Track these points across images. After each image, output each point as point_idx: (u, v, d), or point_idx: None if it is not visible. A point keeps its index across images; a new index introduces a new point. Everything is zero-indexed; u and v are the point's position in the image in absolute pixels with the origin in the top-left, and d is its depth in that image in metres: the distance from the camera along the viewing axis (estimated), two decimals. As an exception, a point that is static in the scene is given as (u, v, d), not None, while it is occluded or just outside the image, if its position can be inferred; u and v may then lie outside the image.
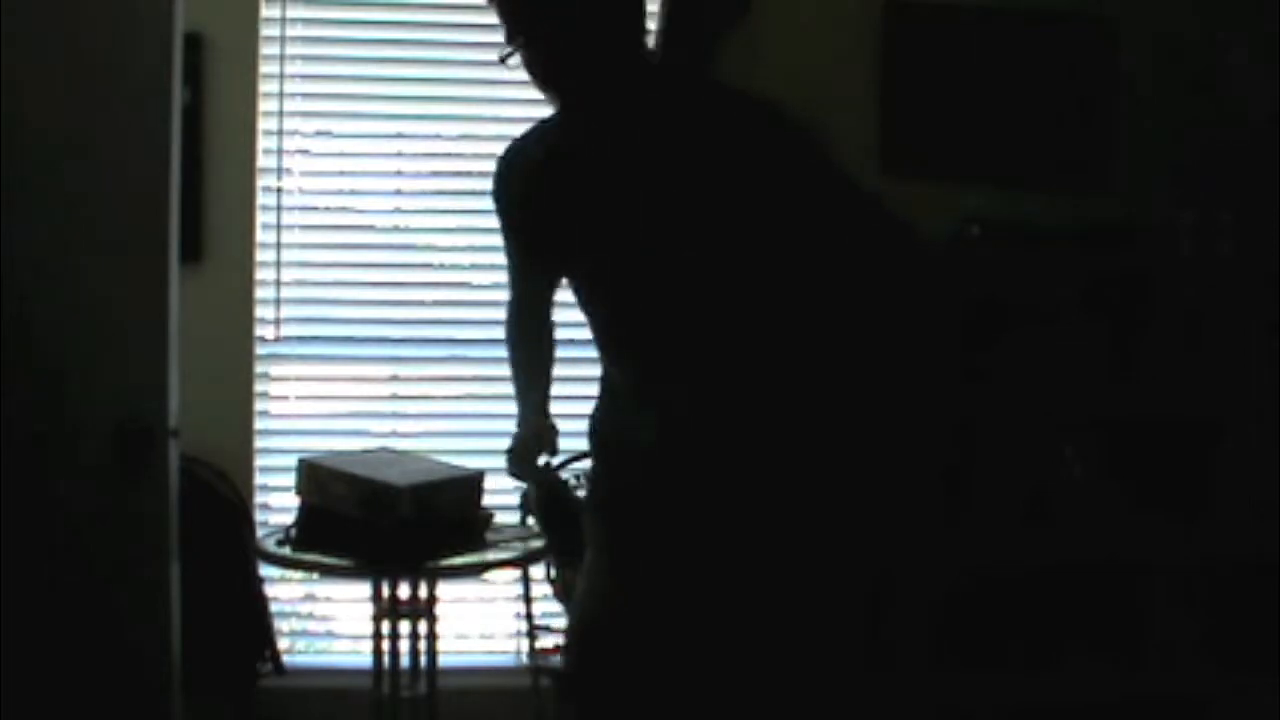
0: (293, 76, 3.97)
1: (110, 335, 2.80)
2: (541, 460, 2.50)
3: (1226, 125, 4.12)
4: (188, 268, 3.01)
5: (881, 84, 4.10)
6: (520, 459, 2.49)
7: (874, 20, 4.09)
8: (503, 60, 2.07)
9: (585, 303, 2.21)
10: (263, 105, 3.94)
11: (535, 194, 2.15)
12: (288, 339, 4.00)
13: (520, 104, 3.56)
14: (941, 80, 4.11)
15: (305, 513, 3.36)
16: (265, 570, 3.72)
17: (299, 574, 3.75)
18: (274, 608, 3.89)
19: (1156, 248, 3.95)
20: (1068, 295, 3.94)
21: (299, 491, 3.38)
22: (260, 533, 3.72)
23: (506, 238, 2.30)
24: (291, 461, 3.45)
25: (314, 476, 3.31)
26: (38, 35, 2.76)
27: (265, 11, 3.95)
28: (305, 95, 4.00)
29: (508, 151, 2.24)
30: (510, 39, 2.04)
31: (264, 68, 3.95)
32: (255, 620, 3.75)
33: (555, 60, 2.03)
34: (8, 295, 2.75)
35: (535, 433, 2.48)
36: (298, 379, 4.06)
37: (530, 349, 2.52)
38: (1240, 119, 4.11)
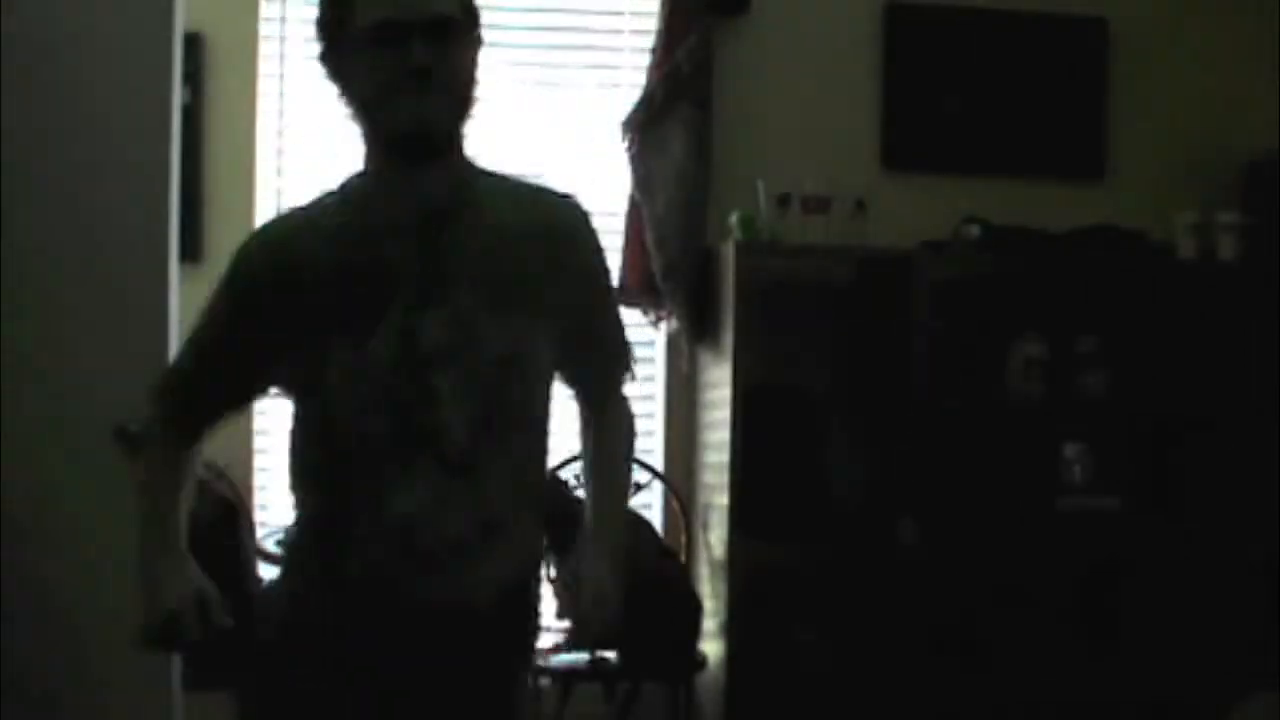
0: (293, 76, 3.97)
1: (110, 335, 2.80)
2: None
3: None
4: (188, 268, 3.01)
5: (882, 84, 4.10)
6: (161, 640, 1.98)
7: (874, 20, 4.09)
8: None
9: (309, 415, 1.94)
10: (263, 105, 3.94)
11: (299, 283, 1.86)
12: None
13: (516, 106, 3.55)
14: (941, 80, 4.11)
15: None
16: (265, 570, 3.71)
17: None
18: (274, 608, 3.89)
19: (1156, 248, 3.95)
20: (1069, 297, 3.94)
21: (299, 491, 3.37)
22: (260, 533, 3.72)
23: (233, 324, 1.93)
24: (291, 461, 3.44)
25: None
26: (38, 36, 2.76)
27: (265, 11, 3.95)
28: (305, 95, 4.00)
29: (264, 233, 2.00)
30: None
31: (264, 68, 3.94)
32: (255, 620, 3.74)
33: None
34: (8, 295, 2.75)
35: (190, 598, 2.02)
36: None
37: (179, 470, 2.05)
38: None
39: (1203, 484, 3.89)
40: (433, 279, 1.83)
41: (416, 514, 1.81)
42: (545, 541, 2.11)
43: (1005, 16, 4.12)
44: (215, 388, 1.99)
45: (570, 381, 1.99)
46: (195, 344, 1.97)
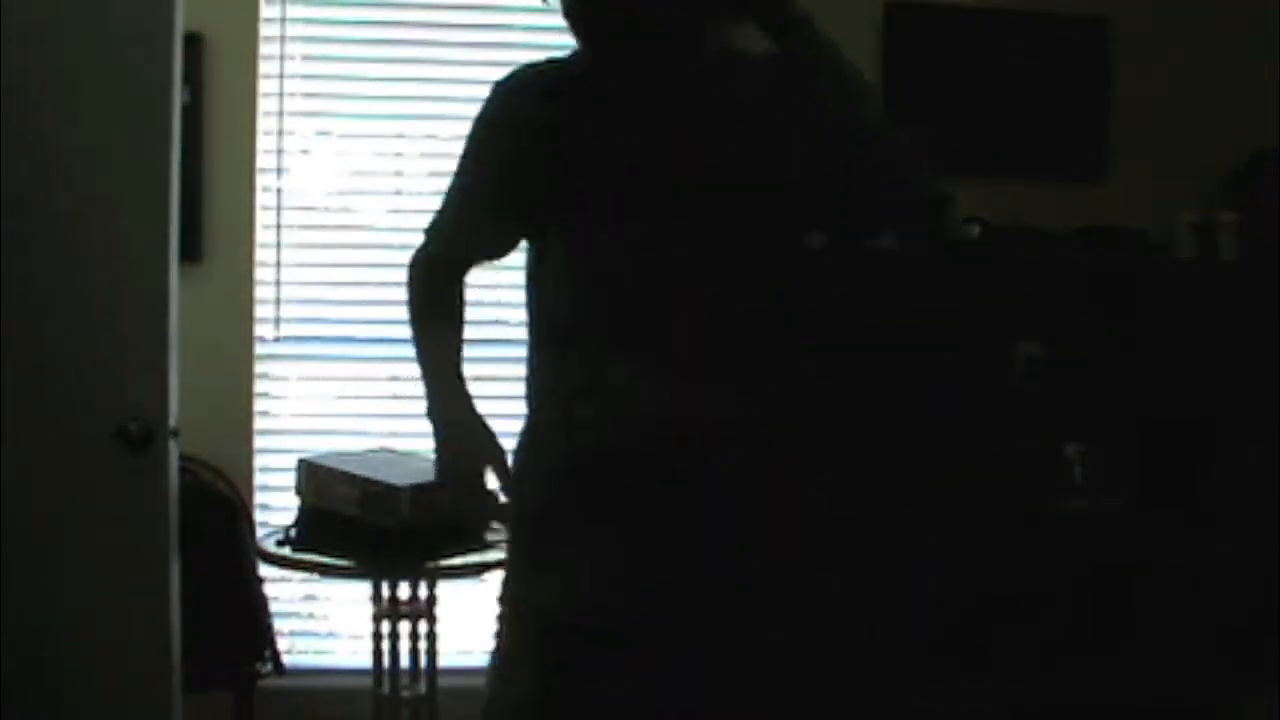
0: (293, 76, 3.97)
1: (110, 335, 2.80)
2: (492, 483, 1.98)
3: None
4: (188, 268, 3.01)
5: (882, 84, 4.09)
6: (459, 475, 1.96)
7: (874, 20, 4.09)
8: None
9: (559, 272, 1.92)
10: (263, 105, 3.94)
11: (556, 124, 1.88)
12: (287, 339, 4.00)
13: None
14: (941, 80, 4.11)
15: (305, 513, 3.36)
16: (265, 570, 3.71)
17: (299, 574, 3.75)
18: (274, 608, 3.89)
19: (1156, 248, 3.95)
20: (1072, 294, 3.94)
21: (299, 491, 3.38)
22: (260, 533, 3.72)
23: (487, 168, 1.96)
24: (291, 461, 3.45)
25: (314, 476, 3.31)
26: (38, 36, 2.76)
27: (265, 11, 3.95)
28: (305, 95, 4.00)
29: (524, 74, 1.97)
30: None
31: (264, 68, 3.94)
32: (255, 620, 3.75)
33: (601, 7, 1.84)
34: (8, 295, 2.75)
35: (473, 439, 1.98)
36: (298, 379, 4.05)
37: (452, 321, 2.06)
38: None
39: (1203, 483, 3.89)
40: (682, 151, 1.86)
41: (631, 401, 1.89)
42: None
43: (1005, 16, 4.12)
44: (493, 229, 1.99)
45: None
46: (466, 175, 1.99)
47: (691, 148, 1.86)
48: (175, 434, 2.86)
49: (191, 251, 3.55)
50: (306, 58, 4.00)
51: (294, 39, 3.97)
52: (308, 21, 3.99)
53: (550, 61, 1.98)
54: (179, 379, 2.85)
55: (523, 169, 1.91)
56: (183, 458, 3.03)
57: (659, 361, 1.85)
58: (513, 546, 2.04)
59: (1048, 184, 4.12)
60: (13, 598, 2.75)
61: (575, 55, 1.95)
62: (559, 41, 4.03)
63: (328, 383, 4.05)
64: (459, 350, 2.06)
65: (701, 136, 1.87)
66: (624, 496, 1.88)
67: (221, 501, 3.75)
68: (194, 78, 3.72)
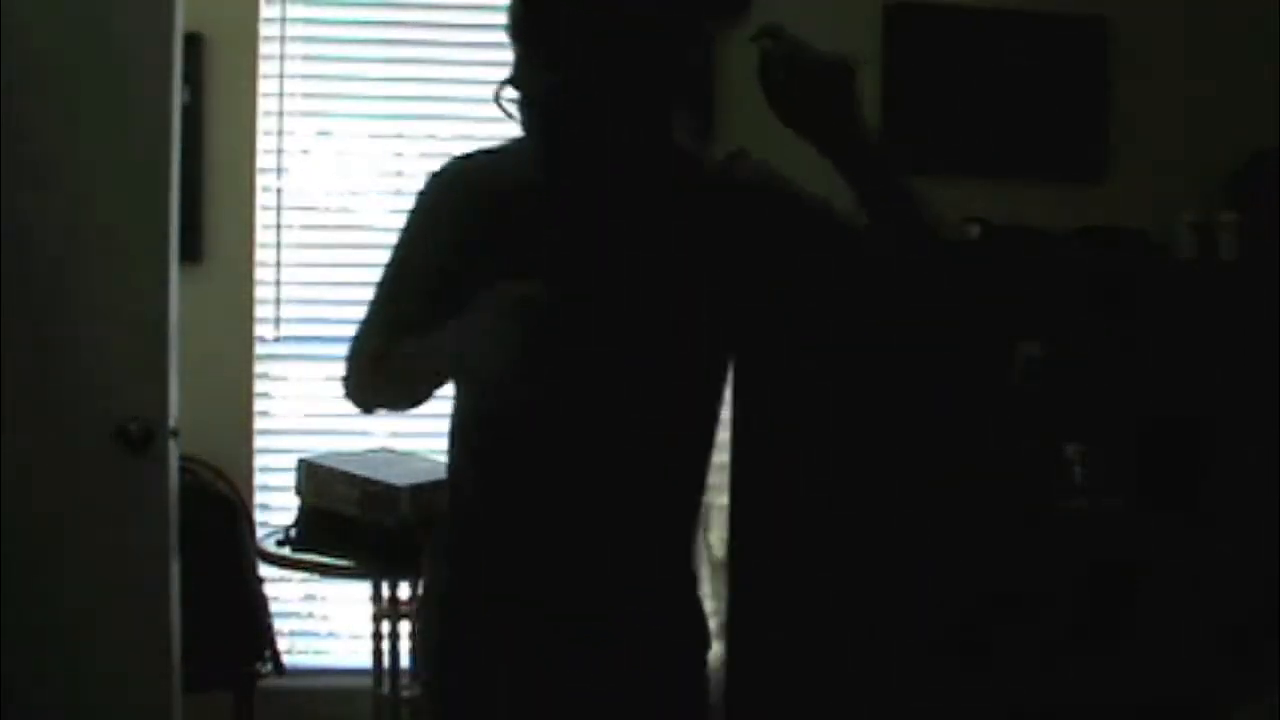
0: (293, 76, 3.97)
1: (110, 335, 2.80)
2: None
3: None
4: (188, 268, 3.01)
5: (882, 84, 4.10)
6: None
7: (874, 20, 4.09)
8: (497, 98, 1.81)
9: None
10: (263, 105, 3.94)
11: (500, 214, 1.84)
12: (288, 339, 4.00)
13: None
14: (941, 80, 4.11)
15: (305, 513, 3.36)
16: (265, 570, 3.71)
17: (299, 574, 3.75)
18: (274, 608, 3.89)
19: (1156, 248, 3.95)
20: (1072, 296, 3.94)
21: (299, 491, 3.38)
22: (260, 533, 3.72)
23: (420, 260, 1.90)
24: (291, 461, 3.45)
25: (314, 476, 3.31)
26: (38, 36, 2.76)
27: (265, 11, 3.95)
28: (305, 95, 4.00)
29: (459, 166, 1.94)
30: (517, 84, 1.79)
31: (264, 68, 3.95)
32: (255, 620, 3.75)
33: (567, 123, 1.77)
34: (8, 295, 2.75)
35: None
36: (298, 379, 4.06)
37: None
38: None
39: (1204, 483, 3.88)
40: (627, 248, 1.83)
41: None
42: None
43: (1005, 16, 4.12)
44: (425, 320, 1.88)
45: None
46: (397, 281, 1.92)
47: (635, 257, 1.83)
48: (175, 434, 2.86)
49: (191, 251, 3.55)
50: (306, 58, 4.00)
51: (294, 39, 3.97)
52: (308, 21, 3.99)
53: (485, 152, 1.94)
54: (179, 379, 2.85)
55: (454, 261, 1.86)
56: (183, 458, 3.03)
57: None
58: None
59: (1048, 184, 4.12)
60: (13, 598, 2.75)
61: (512, 144, 1.90)
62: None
63: (328, 383, 4.06)
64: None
65: (646, 246, 1.84)
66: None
67: (221, 501, 3.75)
68: (194, 78, 3.73)
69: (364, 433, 3.94)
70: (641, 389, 1.84)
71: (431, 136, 4.04)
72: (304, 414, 4.05)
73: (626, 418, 1.84)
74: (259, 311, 3.93)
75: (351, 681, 3.79)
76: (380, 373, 1.91)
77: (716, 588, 3.80)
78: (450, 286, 1.82)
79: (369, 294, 1.99)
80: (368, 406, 1.99)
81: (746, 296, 1.89)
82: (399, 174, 4.07)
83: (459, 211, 1.86)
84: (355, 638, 3.98)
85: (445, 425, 1.98)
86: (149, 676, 2.86)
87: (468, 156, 1.95)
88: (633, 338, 1.82)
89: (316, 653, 4.08)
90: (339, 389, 1.96)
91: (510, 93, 1.77)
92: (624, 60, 1.72)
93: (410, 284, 1.90)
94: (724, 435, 3.71)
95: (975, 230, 3.87)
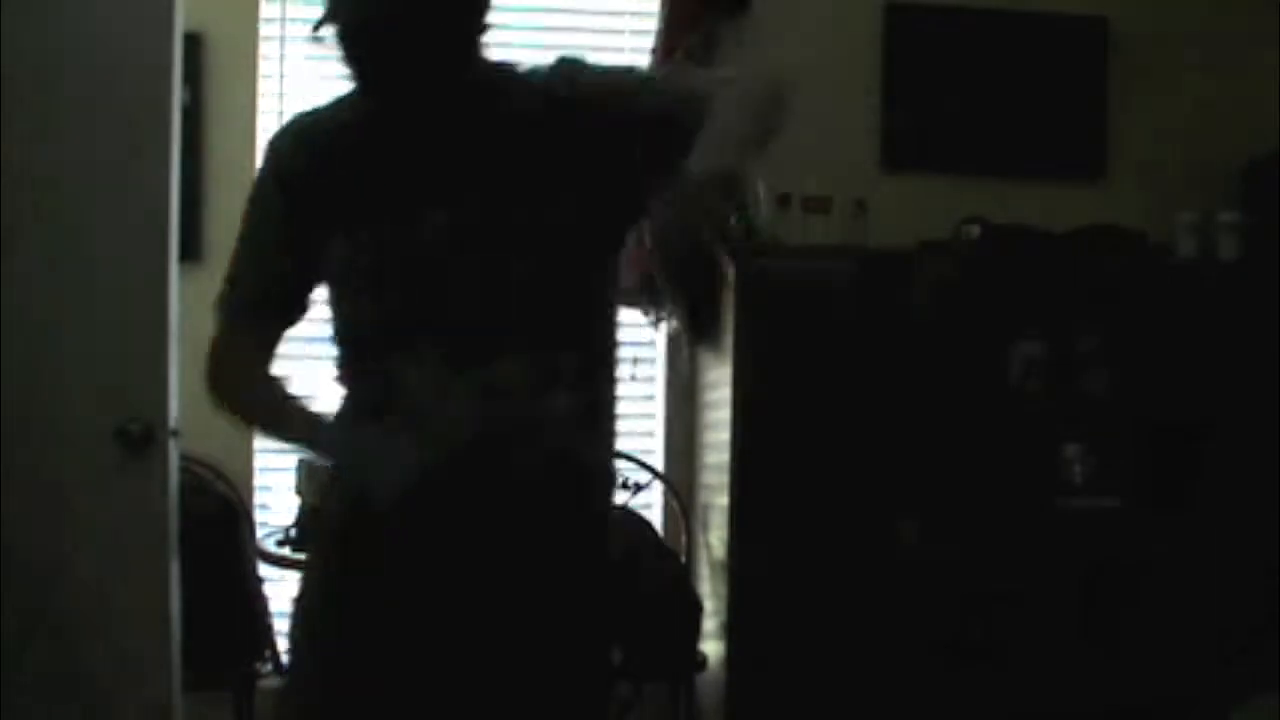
0: (293, 76, 3.97)
1: (110, 335, 2.80)
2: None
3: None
4: (188, 268, 3.01)
5: (882, 83, 4.10)
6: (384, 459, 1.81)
7: (874, 20, 4.09)
8: (315, 35, 1.84)
9: (344, 309, 1.92)
10: (263, 105, 3.94)
11: (331, 171, 1.86)
12: (287, 339, 3.99)
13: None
14: (941, 80, 4.11)
15: (305, 513, 3.36)
16: (265, 570, 3.71)
17: (299, 574, 3.74)
18: (274, 608, 3.89)
19: (1156, 248, 3.95)
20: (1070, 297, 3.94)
21: (299, 491, 3.38)
22: (260, 533, 3.72)
23: (271, 228, 1.93)
24: (291, 461, 3.44)
25: (314, 476, 3.31)
26: (38, 36, 2.76)
27: (265, 11, 3.95)
28: (305, 95, 4.00)
29: (293, 125, 1.94)
30: (328, 18, 1.83)
31: (264, 68, 3.94)
32: (254, 620, 3.75)
33: (372, 46, 1.78)
34: (7, 295, 2.75)
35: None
36: (298, 379, 4.04)
37: (273, 387, 2.03)
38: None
39: (1203, 484, 3.89)
40: (480, 162, 1.81)
41: (421, 403, 1.79)
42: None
43: (1005, 16, 4.13)
44: (278, 292, 1.98)
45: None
46: (248, 248, 1.97)
47: (465, 168, 1.82)
48: (175, 434, 2.86)
49: (191, 251, 3.54)
50: (306, 58, 3.99)
51: (294, 39, 3.97)
52: (308, 22, 3.98)
53: (325, 105, 1.95)
54: (179, 379, 2.85)
55: (301, 224, 1.88)
56: (183, 458, 3.03)
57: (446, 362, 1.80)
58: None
59: (1048, 184, 4.12)
60: (13, 598, 2.75)
61: (347, 97, 1.91)
62: (559, 41, 4.06)
63: (328, 383, 4.04)
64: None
65: (473, 157, 1.83)
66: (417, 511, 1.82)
67: (221, 501, 3.75)
68: (194, 78, 3.72)
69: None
70: (510, 306, 1.81)
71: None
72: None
73: (497, 339, 1.80)
74: (259, 311, 3.92)
75: (351, 681, 3.78)
76: (243, 410, 2.02)
77: (716, 588, 3.80)
78: (304, 248, 1.88)
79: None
80: (222, 412, 2.01)
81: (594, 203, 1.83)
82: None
83: (298, 170, 1.88)
84: (355, 638, 3.97)
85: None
86: (149, 676, 2.85)
87: (305, 114, 1.96)
88: (487, 270, 1.79)
89: (316, 653, 4.07)
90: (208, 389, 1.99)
91: (326, 29, 1.81)
92: None
93: (268, 251, 1.95)
94: (724, 435, 3.72)
95: (975, 230, 3.87)
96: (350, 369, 1.96)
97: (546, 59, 1.90)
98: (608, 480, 1.96)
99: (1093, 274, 3.92)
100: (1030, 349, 3.86)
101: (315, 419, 1.96)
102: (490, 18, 1.82)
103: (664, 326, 4.01)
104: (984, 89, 4.13)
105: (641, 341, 4.05)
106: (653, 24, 3.97)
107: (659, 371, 4.12)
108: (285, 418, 2.00)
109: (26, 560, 2.78)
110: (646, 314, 3.99)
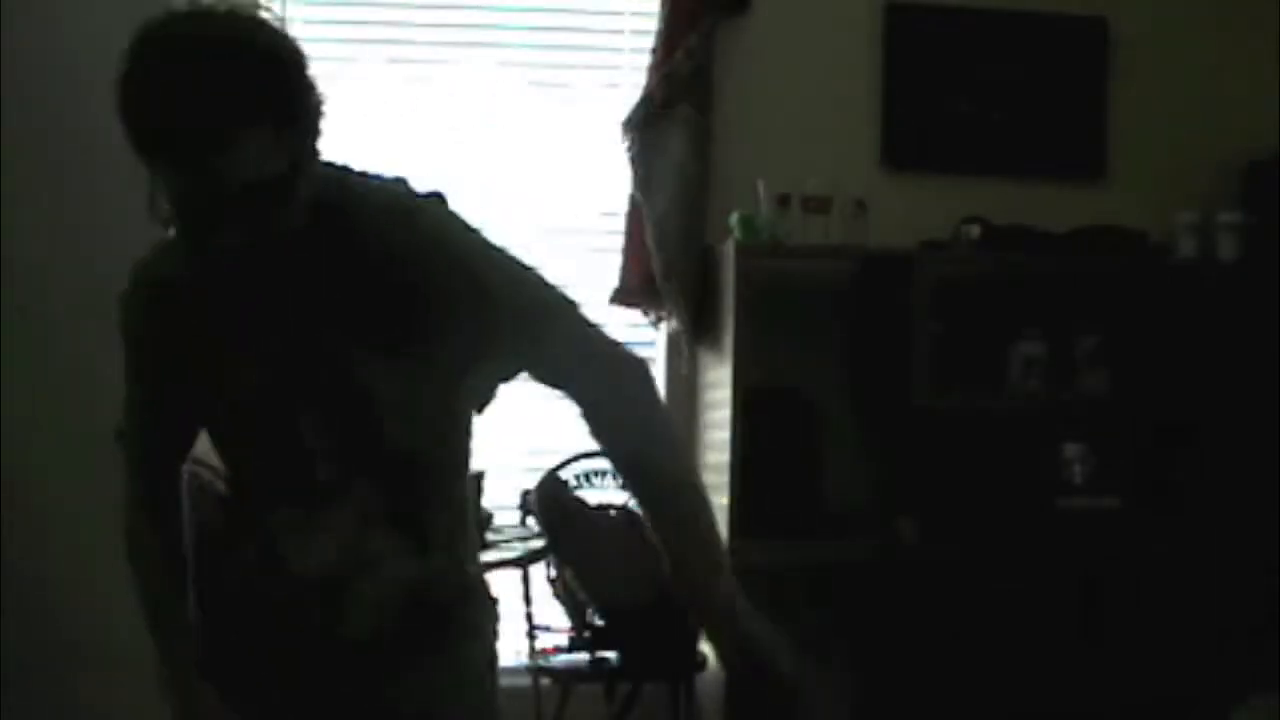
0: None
1: (110, 336, 2.80)
2: None
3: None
4: (188, 268, 3.00)
5: (882, 84, 4.10)
6: None
7: (874, 20, 4.09)
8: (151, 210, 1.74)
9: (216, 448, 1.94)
10: (263, 105, 3.94)
11: (165, 325, 1.83)
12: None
13: (516, 106, 3.55)
14: (941, 80, 4.11)
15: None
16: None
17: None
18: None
19: (1156, 248, 3.95)
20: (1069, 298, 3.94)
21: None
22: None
23: (135, 380, 1.91)
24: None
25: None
26: (38, 36, 2.76)
27: (265, 12, 3.94)
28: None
29: (133, 277, 1.88)
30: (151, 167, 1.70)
31: (264, 68, 3.94)
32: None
33: (195, 218, 1.69)
34: (8, 296, 2.76)
35: None
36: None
37: (175, 564, 2.03)
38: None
39: (1202, 484, 3.89)
40: (298, 314, 1.77)
41: (280, 544, 1.83)
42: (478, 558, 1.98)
43: (1005, 16, 4.13)
44: (158, 439, 1.99)
45: (539, 379, 1.78)
46: (128, 397, 1.95)
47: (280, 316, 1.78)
48: (175, 434, 2.85)
49: (191, 251, 3.54)
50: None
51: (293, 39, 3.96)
52: (308, 22, 3.99)
53: (155, 257, 1.89)
54: (179, 379, 2.84)
55: (150, 375, 1.89)
56: (182, 458, 3.02)
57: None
58: None
59: (1048, 184, 4.12)
60: (13, 597, 2.76)
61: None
62: (557, 42, 4.06)
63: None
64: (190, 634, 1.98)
65: (299, 300, 1.77)
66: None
67: (221, 501, 3.74)
68: (194, 78, 3.72)
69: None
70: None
71: (431, 135, 4.04)
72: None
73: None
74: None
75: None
76: (142, 557, 2.00)
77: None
78: (161, 397, 1.89)
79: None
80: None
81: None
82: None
83: (134, 325, 1.87)
84: (355, 638, 3.98)
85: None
86: (149, 676, 2.85)
87: (143, 264, 1.90)
88: (312, 418, 1.78)
89: (316, 652, 4.08)
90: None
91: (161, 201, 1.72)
92: (218, 173, 1.64)
93: (137, 402, 1.93)
94: (724, 435, 3.72)
95: (975, 230, 3.87)
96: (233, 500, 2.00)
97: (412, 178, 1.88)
98: (469, 607, 1.91)
99: (1093, 274, 3.92)
100: (1030, 349, 3.87)
101: (189, 686, 1.96)
102: (322, 139, 1.77)
103: (664, 326, 4.02)
104: (984, 89, 4.13)
105: (641, 341, 4.06)
106: (653, 24, 3.97)
107: (659, 371, 4.12)
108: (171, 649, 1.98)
109: (27, 560, 2.78)
110: (646, 314, 3.99)
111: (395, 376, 1.75)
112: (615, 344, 1.75)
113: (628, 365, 1.73)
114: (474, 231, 1.78)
